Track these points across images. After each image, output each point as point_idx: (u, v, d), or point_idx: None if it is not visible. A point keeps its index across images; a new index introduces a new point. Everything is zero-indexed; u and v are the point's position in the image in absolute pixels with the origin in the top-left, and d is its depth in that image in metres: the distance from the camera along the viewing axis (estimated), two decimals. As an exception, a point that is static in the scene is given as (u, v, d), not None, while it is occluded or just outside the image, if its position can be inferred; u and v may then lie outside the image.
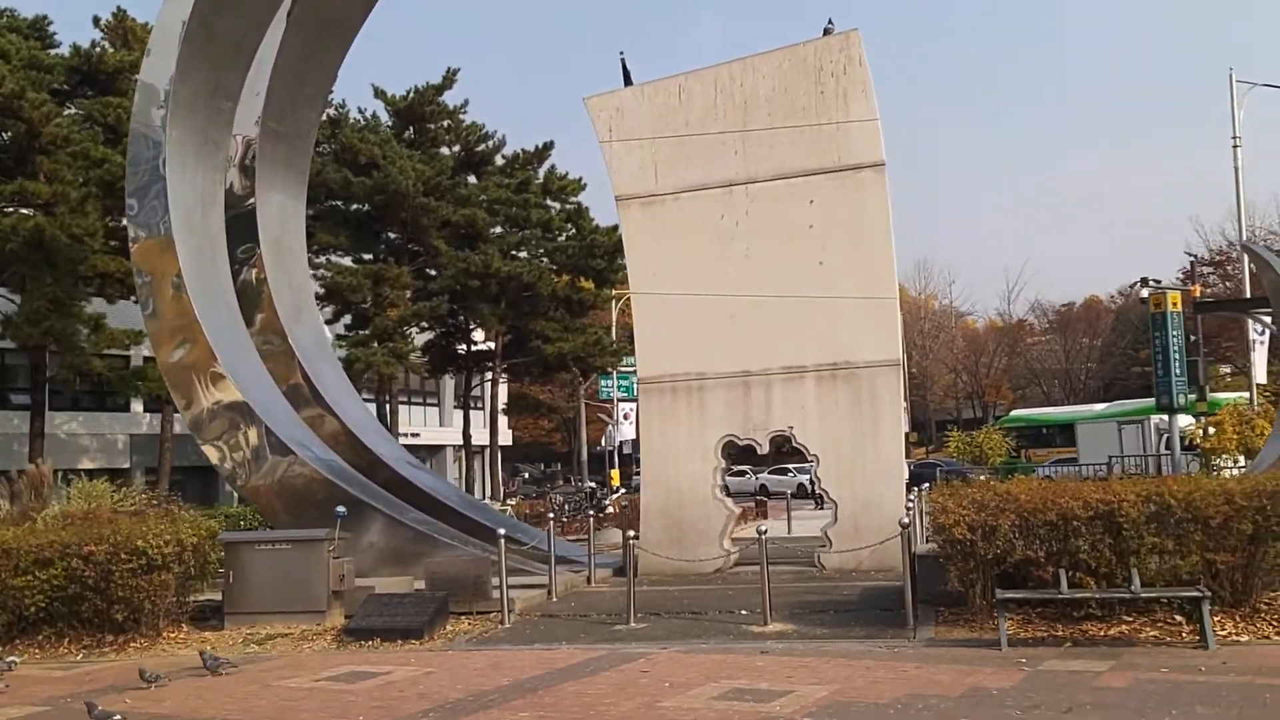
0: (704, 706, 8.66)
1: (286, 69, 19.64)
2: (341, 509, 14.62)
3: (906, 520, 12.59)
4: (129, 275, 21.75)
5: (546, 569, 15.79)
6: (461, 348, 42.88)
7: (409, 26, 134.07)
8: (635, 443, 33.25)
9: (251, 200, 19.88)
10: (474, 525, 18.62)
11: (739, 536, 19.45)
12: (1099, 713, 7.92)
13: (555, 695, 9.32)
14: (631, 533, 14.59)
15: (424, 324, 39.55)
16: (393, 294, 35.25)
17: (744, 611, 13.37)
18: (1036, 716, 7.90)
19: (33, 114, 25.44)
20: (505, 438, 62.17)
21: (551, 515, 18.24)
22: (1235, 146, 30.93)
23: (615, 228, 29.59)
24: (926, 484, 22.93)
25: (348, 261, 37.50)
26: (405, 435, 52.76)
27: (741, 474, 55.87)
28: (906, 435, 61.88)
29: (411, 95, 37.82)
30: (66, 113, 30.90)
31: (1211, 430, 23.30)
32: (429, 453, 60.08)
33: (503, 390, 53.04)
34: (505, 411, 55.24)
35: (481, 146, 39.38)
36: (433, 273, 38.59)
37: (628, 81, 18.91)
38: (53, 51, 30.39)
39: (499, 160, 40.20)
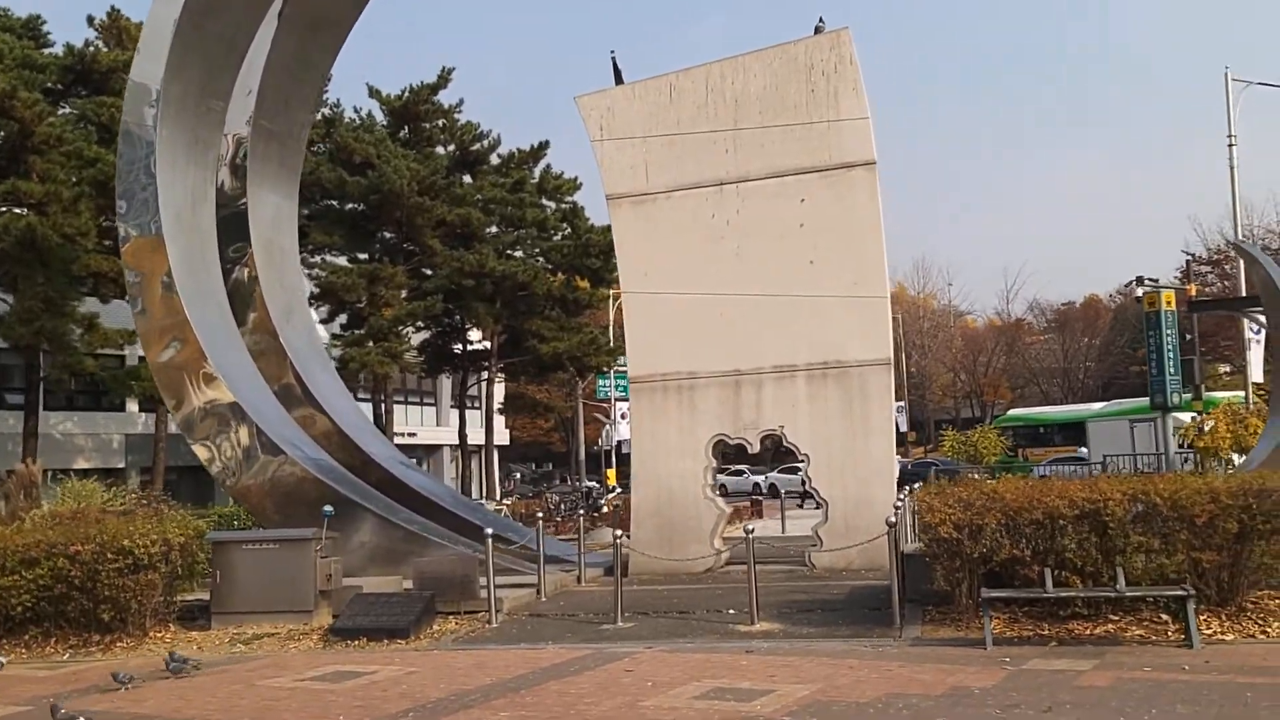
0: (684, 706, 8.64)
1: (278, 68, 19.61)
2: (328, 508, 14.60)
3: (893, 519, 12.53)
4: (122, 275, 21.75)
5: (536, 568, 15.75)
6: (457, 347, 42.84)
7: (406, 25, 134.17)
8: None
9: (243, 199, 19.84)
10: (466, 525, 18.58)
11: (732, 536, 19.42)
12: (1078, 712, 7.89)
13: (537, 695, 9.30)
14: (618, 532, 14.52)
15: (420, 323, 39.51)
16: (387, 293, 35.23)
17: (731, 611, 13.35)
18: (1016, 715, 7.87)
19: (25, 113, 25.43)
20: (503, 437, 62.19)
21: (541, 516, 18.14)
22: (1231, 145, 30.88)
23: (610, 227, 29.59)
24: (920, 483, 22.88)
25: (343, 261, 37.47)
26: (402, 435, 52.74)
27: (739, 473, 55.95)
28: (905, 434, 61.93)
29: (406, 95, 37.78)
30: (61, 112, 30.92)
31: (1205, 429, 23.26)
32: (426, 452, 60.08)
33: (500, 390, 53.04)
34: (502, 411, 55.25)
35: (476, 146, 39.36)
36: (428, 272, 38.57)
37: (619, 80, 18.89)
38: (46, 51, 30.38)
39: (494, 159, 40.18)
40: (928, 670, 9.55)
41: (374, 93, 38.35)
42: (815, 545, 17.11)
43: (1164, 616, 10.88)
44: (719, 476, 56.36)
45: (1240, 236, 32.34)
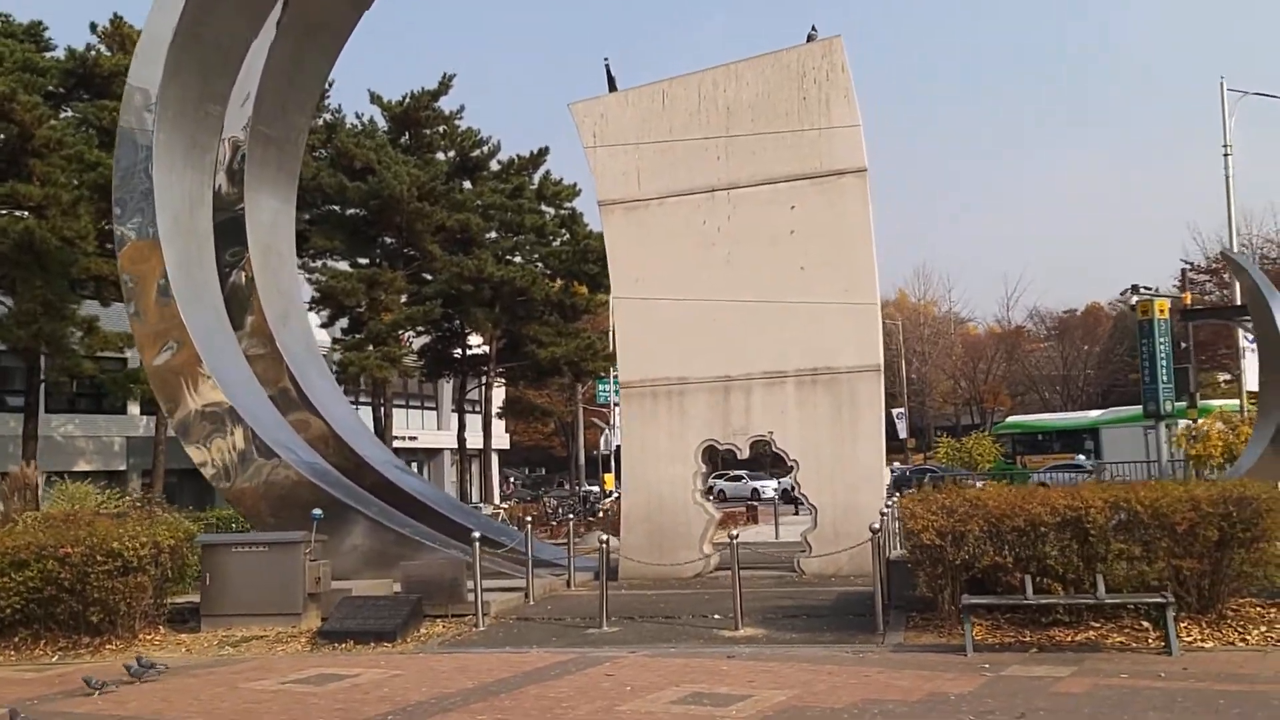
0: (661, 711, 8.70)
1: (276, 73, 19.73)
2: (318, 511, 14.69)
3: (877, 526, 12.58)
4: (124, 278, 21.89)
5: (526, 572, 15.82)
6: (457, 352, 42.94)
7: (409, 31, 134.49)
8: (627, 447, 33.20)
9: (241, 204, 19.94)
10: (459, 529, 18.61)
11: (723, 542, 19.46)
12: (1051, 718, 7.95)
13: (516, 699, 9.36)
14: (604, 536, 14.58)
15: (420, 328, 39.62)
16: (387, 298, 35.33)
17: (717, 616, 13.41)
18: (988, 722, 7.93)
19: (24, 116, 25.57)
20: (503, 442, 62.25)
21: (530, 521, 18.21)
22: (1226, 155, 30.92)
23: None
24: (912, 489, 22.92)
25: (344, 266, 37.60)
26: (402, 439, 52.82)
27: (738, 479, 56.02)
28: (904, 441, 61.91)
29: (407, 101, 37.93)
30: (63, 116, 31.08)
31: (1197, 437, 23.30)
32: (426, 456, 60.17)
33: (500, 394, 53.11)
34: (502, 415, 55.31)
35: (476, 152, 39.47)
36: (428, 277, 38.68)
37: (612, 87, 18.99)
38: (48, 55, 30.52)
39: (494, 165, 40.30)
40: (906, 676, 9.60)
41: (375, 99, 38.55)
42: (804, 551, 17.18)
43: (1145, 624, 10.93)
44: (718, 482, 56.46)
45: (1239, 245, 32.38)
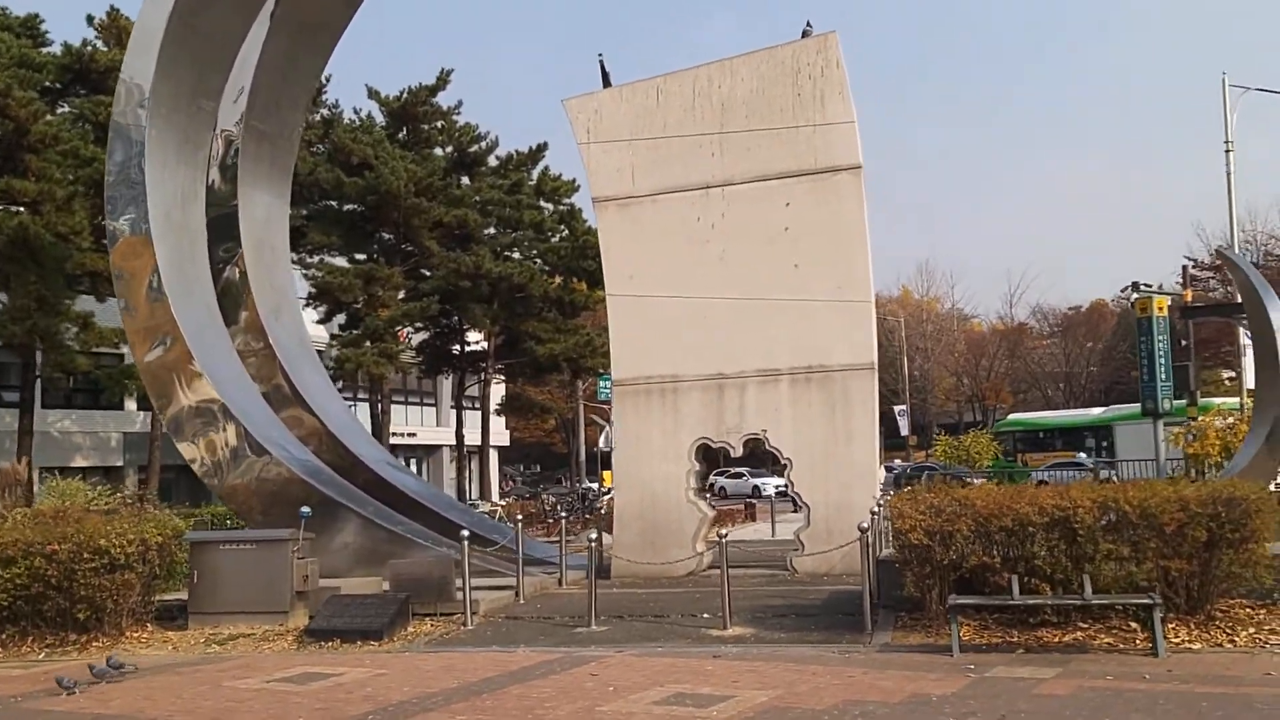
0: (642, 712, 8.64)
1: (270, 68, 19.67)
2: (306, 509, 14.64)
3: (866, 525, 12.51)
4: (120, 273, 21.83)
5: (521, 570, 15.78)
6: (455, 348, 42.88)
7: (409, 24, 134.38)
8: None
9: (234, 200, 19.89)
10: (452, 527, 18.58)
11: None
12: (1032, 720, 7.89)
13: (497, 698, 9.31)
14: (593, 535, 14.53)
15: (418, 324, 39.56)
16: (384, 294, 35.25)
17: (706, 615, 13.36)
18: (969, 724, 7.87)
19: (20, 112, 25.51)
20: (503, 438, 62.20)
21: (519, 519, 18.15)
22: (1228, 151, 30.78)
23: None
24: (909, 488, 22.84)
25: (341, 261, 37.53)
26: (401, 435, 52.81)
27: (739, 476, 55.91)
28: (906, 438, 61.79)
29: (405, 96, 37.84)
30: (59, 111, 31.02)
31: (1195, 436, 23.20)
32: (425, 453, 60.15)
33: (500, 390, 53.05)
34: (502, 412, 55.26)
35: (474, 147, 39.36)
36: (426, 273, 38.61)
37: (607, 83, 18.90)
38: (45, 50, 30.47)
39: (492, 161, 40.18)
40: (890, 677, 9.54)
41: (373, 94, 38.45)
42: (797, 550, 17.12)
43: (1133, 625, 10.85)
44: (719, 479, 56.27)
45: (1242, 242, 32.24)
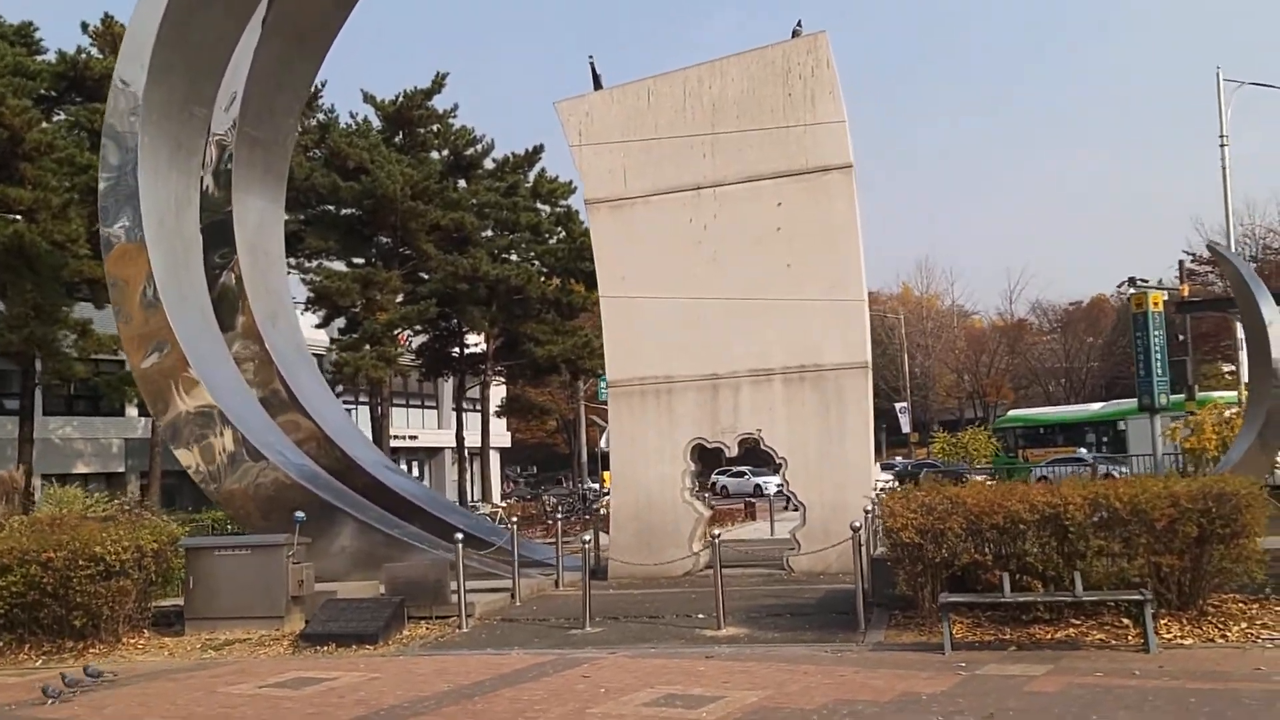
0: (632, 713, 8.66)
1: (262, 75, 19.70)
2: (300, 514, 14.68)
3: (858, 524, 12.52)
4: (117, 280, 21.85)
5: (521, 572, 15.82)
6: (455, 351, 42.92)
7: (405, 28, 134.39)
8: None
9: (229, 206, 19.91)
10: (450, 529, 18.61)
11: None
12: (1020, 718, 7.89)
13: (488, 702, 9.33)
14: (587, 536, 14.56)
15: (417, 327, 39.59)
16: (382, 298, 35.27)
17: (701, 615, 13.37)
18: (956, 722, 7.88)
19: (14, 120, 25.54)
20: (504, 440, 62.22)
21: (514, 521, 18.19)
22: (1223, 145, 30.80)
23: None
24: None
25: (340, 266, 37.56)
26: (402, 438, 52.84)
27: (740, 475, 55.92)
28: (907, 436, 61.74)
29: (401, 100, 37.84)
30: (55, 119, 31.05)
31: (1191, 430, 23.20)
32: (427, 455, 60.19)
33: (501, 392, 53.06)
34: (503, 414, 55.27)
35: (470, 150, 39.35)
36: (424, 276, 38.63)
37: (598, 85, 18.93)
38: (39, 58, 30.50)
39: (489, 164, 40.19)
40: (881, 676, 9.55)
41: (368, 98, 38.43)
42: (794, 549, 17.14)
43: (1125, 621, 10.86)
44: (720, 478, 56.25)
45: (1240, 235, 32.22)
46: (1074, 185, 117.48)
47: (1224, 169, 30.70)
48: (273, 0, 19.08)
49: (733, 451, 17.86)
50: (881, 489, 18.12)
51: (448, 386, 55.46)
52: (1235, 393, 30.40)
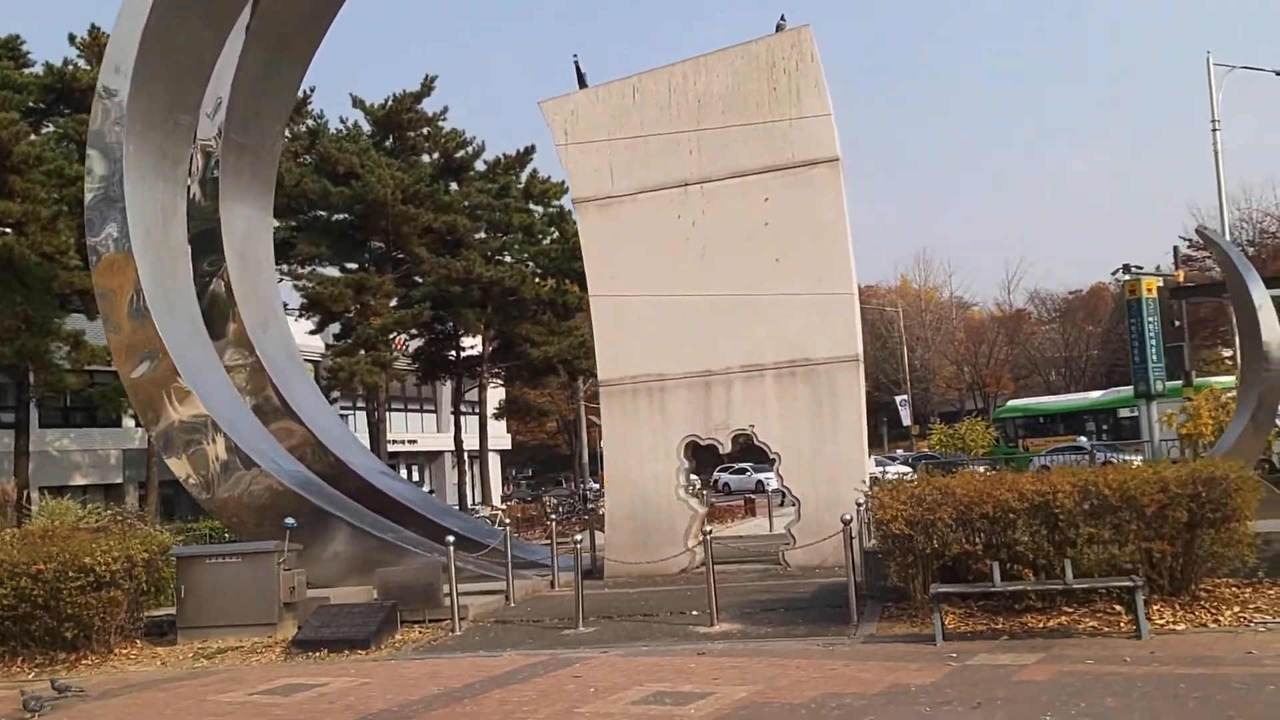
0: (620, 712, 8.61)
1: (247, 81, 19.66)
2: (290, 520, 14.63)
3: (849, 516, 12.47)
4: (108, 291, 21.80)
5: (516, 574, 15.77)
6: (451, 354, 42.87)
7: (393, 30, 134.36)
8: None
9: (217, 214, 19.87)
10: (444, 532, 18.59)
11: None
12: (1007, 707, 7.85)
13: (478, 703, 9.29)
14: (580, 535, 14.52)
15: (412, 331, 39.55)
16: (375, 302, 35.23)
17: (695, 612, 13.34)
18: (945, 713, 7.83)
19: (2, 133, 25.52)
20: (504, 442, 62.14)
21: (509, 523, 18.16)
22: (1215, 129, 30.74)
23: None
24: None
25: (333, 271, 37.53)
26: (401, 441, 52.80)
27: (742, 471, 55.86)
28: (908, 428, 61.66)
29: (390, 103, 37.81)
30: (44, 131, 31.02)
31: (1188, 416, 23.16)
32: (426, 459, 60.14)
33: (499, 394, 53.01)
34: (502, 416, 55.23)
35: (461, 153, 39.29)
36: (418, 280, 38.60)
37: (582, 84, 18.89)
38: (26, 71, 30.47)
39: (480, 166, 40.14)
40: (871, 668, 9.51)
41: (357, 102, 38.38)
42: (789, 544, 17.10)
43: (1117, 608, 10.81)
44: (721, 475, 56.13)
45: (1236, 220, 32.16)
46: (1072, 174, 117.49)
47: (1216, 153, 30.67)
48: (256, 5, 19.05)
49: (726, 448, 17.81)
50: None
51: (446, 390, 55.44)
52: (1234, 378, 30.35)
